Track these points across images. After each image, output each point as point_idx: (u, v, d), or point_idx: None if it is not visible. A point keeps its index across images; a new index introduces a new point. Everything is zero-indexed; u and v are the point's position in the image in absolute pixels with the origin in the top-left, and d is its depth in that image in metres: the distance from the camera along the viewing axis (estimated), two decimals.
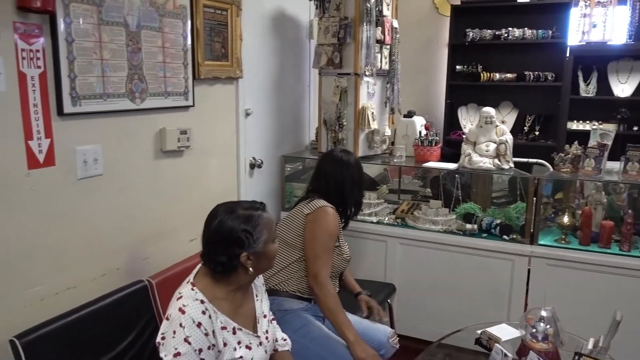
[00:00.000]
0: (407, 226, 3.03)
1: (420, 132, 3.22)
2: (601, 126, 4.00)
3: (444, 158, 3.18)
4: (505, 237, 2.81)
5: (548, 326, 1.89)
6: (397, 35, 3.33)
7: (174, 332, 1.46)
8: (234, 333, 1.57)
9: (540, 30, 4.34)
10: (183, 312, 1.48)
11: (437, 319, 2.89)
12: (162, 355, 1.47)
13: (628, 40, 4.09)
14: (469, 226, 2.90)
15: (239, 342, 1.58)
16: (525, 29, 4.37)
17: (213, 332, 1.51)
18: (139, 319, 1.97)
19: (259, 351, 1.64)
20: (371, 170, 3.62)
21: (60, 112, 1.82)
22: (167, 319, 1.51)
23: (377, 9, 3.11)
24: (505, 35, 4.41)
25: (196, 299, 1.51)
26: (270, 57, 3.28)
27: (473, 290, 2.83)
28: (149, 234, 2.30)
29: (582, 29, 4.20)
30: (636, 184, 2.73)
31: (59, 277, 1.88)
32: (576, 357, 1.73)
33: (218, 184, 2.74)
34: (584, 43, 4.19)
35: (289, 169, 3.41)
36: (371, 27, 3.09)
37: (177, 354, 1.44)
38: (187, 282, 1.59)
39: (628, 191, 2.84)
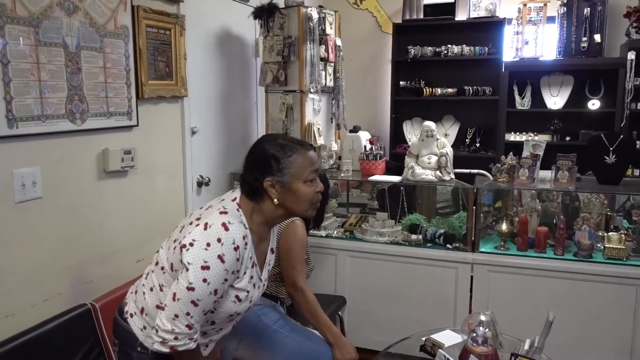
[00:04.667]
0: (356, 239, 3.10)
1: (365, 147, 3.30)
2: (536, 137, 4.22)
3: (389, 171, 3.28)
4: (448, 246, 2.91)
5: (487, 330, 1.97)
6: (341, 53, 3.42)
7: (208, 245, 1.44)
8: (252, 267, 1.59)
9: (477, 47, 4.55)
10: (227, 229, 1.47)
11: (387, 328, 2.95)
12: (185, 260, 1.44)
13: (558, 56, 4.35)
14: (414, 237, 2.99)
15: (251, 278, 1.59)
16: (464, 45, 4.57)
17: (243, 259, 1.52)
18: (82, 344, 1.93)
19: (257, 292, 1.67)
20: None
21: None
22: (205, 227, 1.47)
23: (320, 28, 3.19)
24: (445, 52, 4.60)
25: (241, 222, 1.52)
26: (216, 76, 3.30)
27: (420, 298, 2.91)
28: (93, 257, 2.26)
29: (515, 45, 4.44)
30: (567, 191, 2.89)
31: None
32: (512, 358, 1.81)
33: (165, 203, 2.72)
34: (518, 59, 4.43)
35: (237, 186, 3.42)
36: (315, 46, 3.17)
37: (206, 267, 1.43)
38: (232, 200, 1.58)
39: (560, 198, 3.01)
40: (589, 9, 4.23)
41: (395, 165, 3.48)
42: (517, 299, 2.73)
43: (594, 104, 4.31)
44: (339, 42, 3.39)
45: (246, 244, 1.51)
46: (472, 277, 2.82)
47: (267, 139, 1.65)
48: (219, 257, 1.44)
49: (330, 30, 3.29)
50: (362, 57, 5.01)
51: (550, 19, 4.37)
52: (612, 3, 4.24)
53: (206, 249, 1.44)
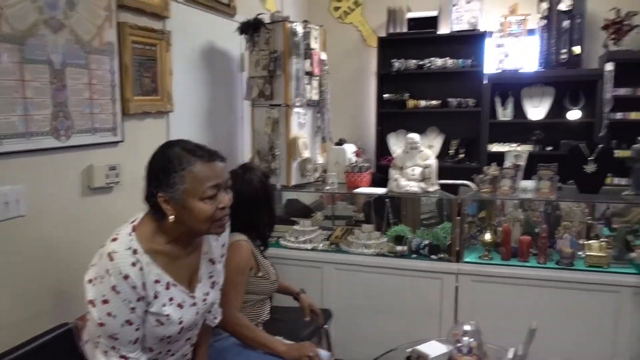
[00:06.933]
0: (342, 251, 3.12)
1: (350, 159, 3.33)
2: (518, 148, 4.29)
3: (374, 183, 3.31)
4: (433, 256, 2.94)
5: (472, 340, 2.00)
6: (326, 67, 3.46)
7: (102, 278, 1.39)
8: (167, 288, 1.49)
9: (460, 60, 4.63)
10: (111, 259, 1.40)
11: (373, 340, 2.95)
12: (87, 297, 1.40)
13: (539, 68, 4.44)
14: (399, 248, 3.01)
15: (170, 299, 1.50)
16: (447, 58, 4.65)
17: (144, 284, 1.43)
18: None
19: (190, 311, 1.57)
20: (306, 197, 3.71)
21: None
22: (100, 258, 1.42)
23: (305, 42, 3.23)
24: (429, 64, 4.67)
25: (129, 248, 1.42)
26: (202, 90, 3.32)
27: (406, 310, 2.93)
28: (78, 275, 2.23)
29: (497, 58, 4.53)
30: (549, 201, 2.94)
31: None
32: None
33: None
34: (500, 71, 4.51)
35: None
36: (300, 60, 3.22)
37: (106, 302, 1.38)
38: (130, 223, 1.49)
39: (542, 207, 3.06)
40: (568, 21, 4.33)
41: (381, 177, 3.51)
42: (502, 308, 2.77)
43: (574, 115, 4.40)
44: (324, 56, 3.43)
45: (141, 269, 1.42)
46: (457, 287, 2.85)
47: (166, 146, 1.49)
48: (113, 289, 1.38)
49: (315, 45, 3.33)
50: (348, 71, 5.07)
51: (531, 32, 4.47)
52: (590, 16, 4.35)
53: (101, 282, 1.40)
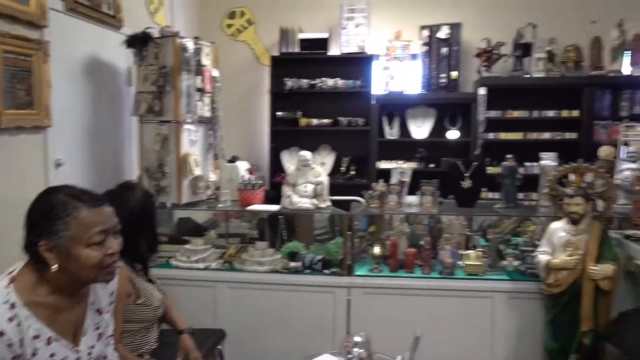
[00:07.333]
0: (236, 269, 3.08)
1: (243, 177, 3.32)
2: (404, 165, 4.53)
3: (268, 200, 3.32)
4: (325, 271, 3.01)
5: (362, 350, 2.08)
6: (218, 84, 3.44)
7: None
8: (49, 343, 1.39)
9: (350, 81, 4.82)
10: None
11: (268, 357, 2.95)
12: None
13: (422, 90, 4.76)
14: (292, 264, 3.04)
15: (52, 355, 1.40)
16: (337, 79, 4.82)
17: (21, 340, 1.32)
18: None
19: None
20: (198, 216, 3.63)
21: None
22: None
23: (196, 59, 3.19)
24: (320, 84, 4.81)
25: (6, 302, 1.32)
26: (85, 105, 3.15)
27: (300, 325, 2.96)
28: None
29: (384, 80, 4.78)
30: (431, 214, 3.14)
31: None
32: None
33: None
34: (387, 92, 4.76)
35: None
36: (191, 76, 3.16)
37: None
38: (7, 274, 1.38)
39: (426, 221, 3.25)
40: (446, 48, 4.70)
41: (275, 194, 3.53)
42: (391, 318, 2.88)
43: (453, 134, 4.75)
44: (216, 73, 3.40)
45: (18, 324, 1.32)
46: (349, 300, 2.93)
47: (47, 193, 1.42)
48: None
49: (206, 61, 3.30)
50: (241, 88, 5.08)
51: (414, 56, 4.78)
52: (465, 44, 4.75)
53: None
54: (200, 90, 3.24)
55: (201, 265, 3.07)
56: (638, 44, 4.40)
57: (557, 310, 2.67)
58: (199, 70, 3.22)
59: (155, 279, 2.25)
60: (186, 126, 3.15)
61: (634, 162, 2.91)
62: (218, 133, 3.42)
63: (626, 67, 4.45)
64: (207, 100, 3.33)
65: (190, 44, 3.16)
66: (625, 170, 2.93)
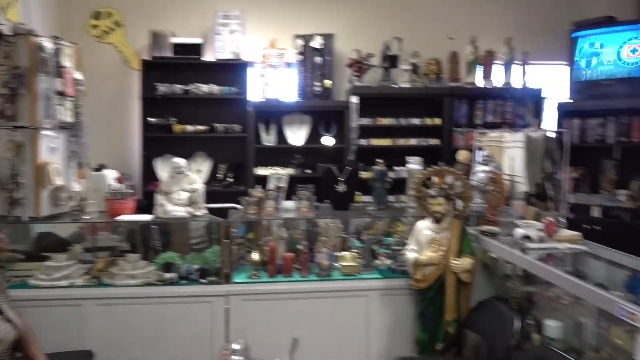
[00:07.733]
0: (105, 285, 2.88)
1: (112, 186, 3.13)
2: (281, 171, 4.57)
3: (141, 210, 3.17)
4: (203, 280, 2.93)
5: (241, 358, 2.05)
6: (82, 88, 3.21)
7: None
8: None
9: (225, 87, 4.77)
10: None
11: None
12: None
13: (298, 98, 4.85)
14: (167, 275, 2.92)
15: None
16: (212, 85, 4.75)
17: None
18: None
19: None
20: (62, 229, 3.34)
21: None
22: None
23: (55, 60, 2.95)
24: (195, 90, 4.71)
25: None
26: None
27: (177, 338, 2.84)
28: None
29: (260, 87, 4.80)
30: (308, 218, 3.20)
31: None
32: None
33: None
34: (263, 99, 4.78)
35: None
36: (50, 79, 2.92)
37: None
38: None
39: (303, 225, 3.30)
40: (320, 58, 4.84)
41: (147, 203, 3.37)
42: (271, 323, 2.88)
43: (328, 140, 4.90)
44: (79, 76, 3.18)
45: None
46: (227, 308, 2.87)
47: None
48: None
49: (68, 63, 3.07)
50: (108, 93, 4.81)
51: (290, 64, 4.86)
52: (338, 54, 4.94)
53: None
54: (61, 94, 3.00)
55: (64, 282, 2.83)
56: (489, 59, 4.89)
57: (424, 303, 2.86)
58: (59, 72, 2.99)
59: (4, 309, 2.00)
60: (44, 132, 2.90)
61: (486, 165, 3.22)
62: (82, 140, 3.19)
63: (479, 80, 4.92)
64: (69, 104, 3.09)
65: (48, 44, 2.92)
66: (479, 172, 3.22)
